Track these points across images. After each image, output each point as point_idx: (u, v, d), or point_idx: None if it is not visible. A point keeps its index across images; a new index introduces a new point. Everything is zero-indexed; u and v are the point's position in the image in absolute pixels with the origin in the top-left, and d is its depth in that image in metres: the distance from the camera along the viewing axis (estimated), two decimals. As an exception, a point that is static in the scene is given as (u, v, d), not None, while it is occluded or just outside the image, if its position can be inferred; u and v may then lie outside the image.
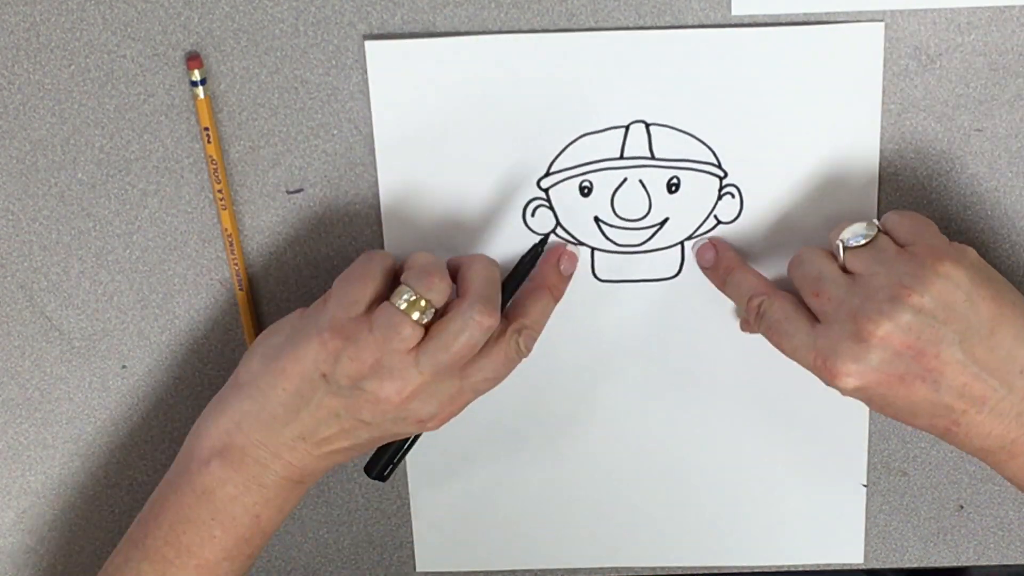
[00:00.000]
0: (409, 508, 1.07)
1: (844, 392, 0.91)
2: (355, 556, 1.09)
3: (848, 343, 0.90)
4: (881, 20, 0.95)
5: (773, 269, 1.00)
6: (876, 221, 0.93)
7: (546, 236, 0.99)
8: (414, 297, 0.92)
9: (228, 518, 0.95)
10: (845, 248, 0.92)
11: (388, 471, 1.00)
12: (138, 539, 0.96)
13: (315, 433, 0.94)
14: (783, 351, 0.94)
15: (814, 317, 0.93)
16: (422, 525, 1.08)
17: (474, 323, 0.91)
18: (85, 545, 1.09)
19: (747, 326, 1.00)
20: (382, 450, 0.99)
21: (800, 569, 1.09)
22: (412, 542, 1.08)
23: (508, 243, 1.00)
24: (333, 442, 0.95)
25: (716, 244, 0.99)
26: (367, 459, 1.00)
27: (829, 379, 0.91)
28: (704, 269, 1.00)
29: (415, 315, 0.91)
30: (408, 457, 1.04)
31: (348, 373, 0.92)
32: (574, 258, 1.00)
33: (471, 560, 1.09)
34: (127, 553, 0.97)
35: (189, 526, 0.96)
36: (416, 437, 1.00)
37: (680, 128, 0.97)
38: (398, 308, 0.91)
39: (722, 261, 0.99)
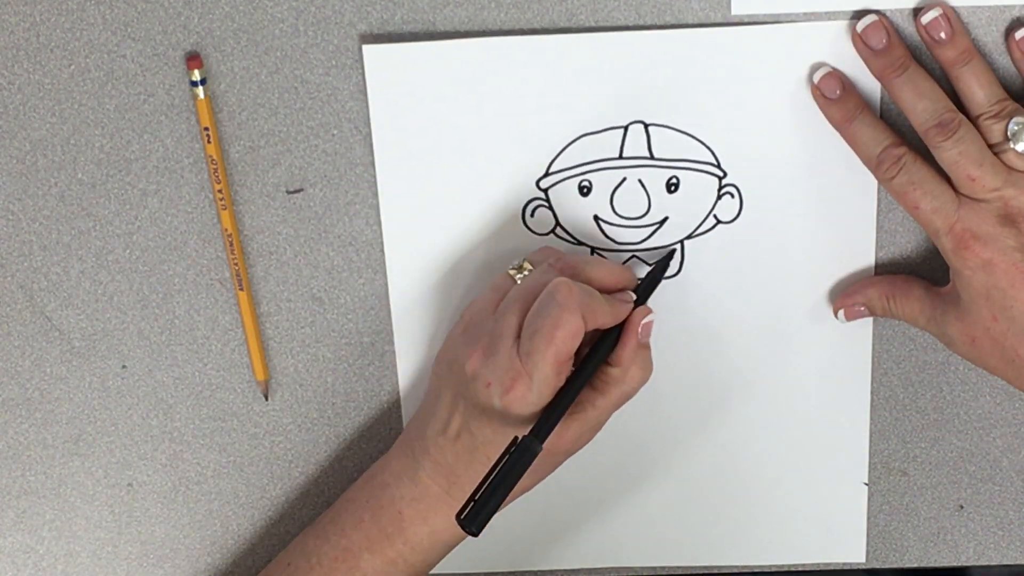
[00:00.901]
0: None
1: (964, 267, 0.92)
2: (355, 556, 1.09)
3: (993, 221, 0.91)
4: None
5: (774, 269, 1.00)
6: None
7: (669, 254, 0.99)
8: (520, 263, 0.96)
9: (377, 505, 0.98)
10: (1014, 141, 0.91)
11: (473, 515, 0.89)
12: (318, 521, 1.02)
13: (448, 426, 0.95)
14: (918, 208, 0.93)
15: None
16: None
17: (555, 302, 0.91)
18: (86, 545, 1.09)
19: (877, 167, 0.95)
20: (474, 495, 0.91)
21: (802, 569, 1.09)
22: (412, 542, 1.09)
23: (508, 243, 1.00)
24: (463, 437, 0.95)
25: (842, 78, 0.95)
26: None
27: (961, 247, 0.92)
28: (824, 100, 0.95)
29: (513, 273, 0.95)
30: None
31: (465, 361, 0.94)
32: (650, 327, 0.97)
33: (471, 561, 1.09)
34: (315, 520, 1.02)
35: (351, 505, 0.99)
36: (512, 476, 0.90)
37: (679, 128, 0.97)
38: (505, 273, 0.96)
39: (852, 99, 0.95)
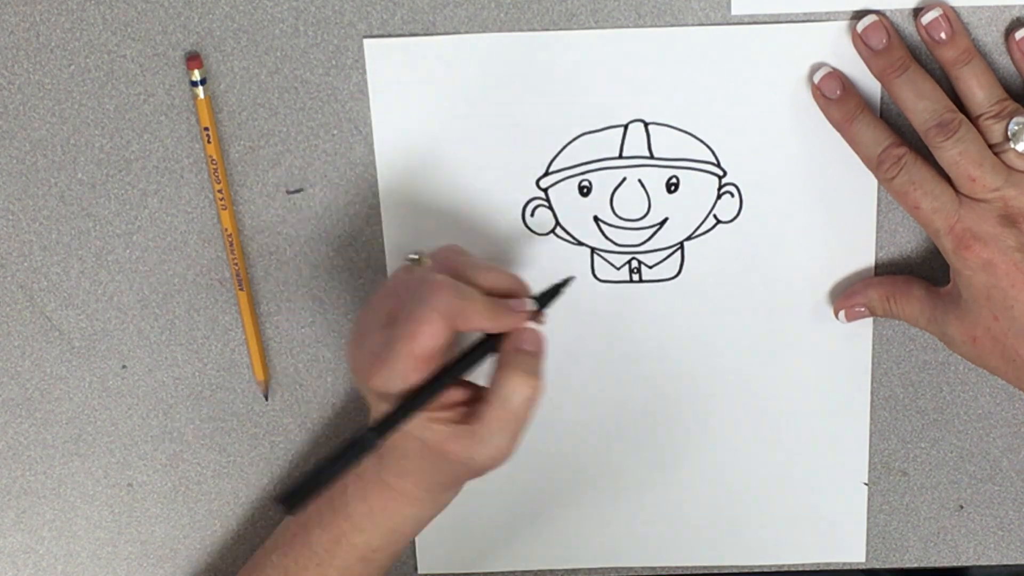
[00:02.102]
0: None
1: (965, 267, 0.92)
2: (355, 556, 1.09)
3: (993, 221, 0.91)
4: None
5: (774, 269, 1.00)
6: None
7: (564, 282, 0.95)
8: (417, 256, 0.93)
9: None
10: (1014, 141, 0.91)
11: (290, 492, 0.88)
12: None
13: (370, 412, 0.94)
14: (919, 208, 0.93)
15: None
16: (423, 530, 1.08)
17: (419, 298, 0.89)
18: (85, 545, 1.09)
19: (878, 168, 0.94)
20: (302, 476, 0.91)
21: (802, 569, 1.09)
22: (413, 544, 1.08)
23: (508, 243, 1.00)
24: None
25: (842, 78, 0.95)
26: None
27: (962, 248, 0.92)
28: (825, 100, 0.95)
29: (406, 262, 0.93)
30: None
31: (349, 345, 0.94)
32: (535, 336, 0.92)
33: (472, 562, 1.09)
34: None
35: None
36: (340, 464, 0.89)
37: (679, 127, 0.97)
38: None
39: (852, 99, 0.95)
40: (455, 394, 0.92)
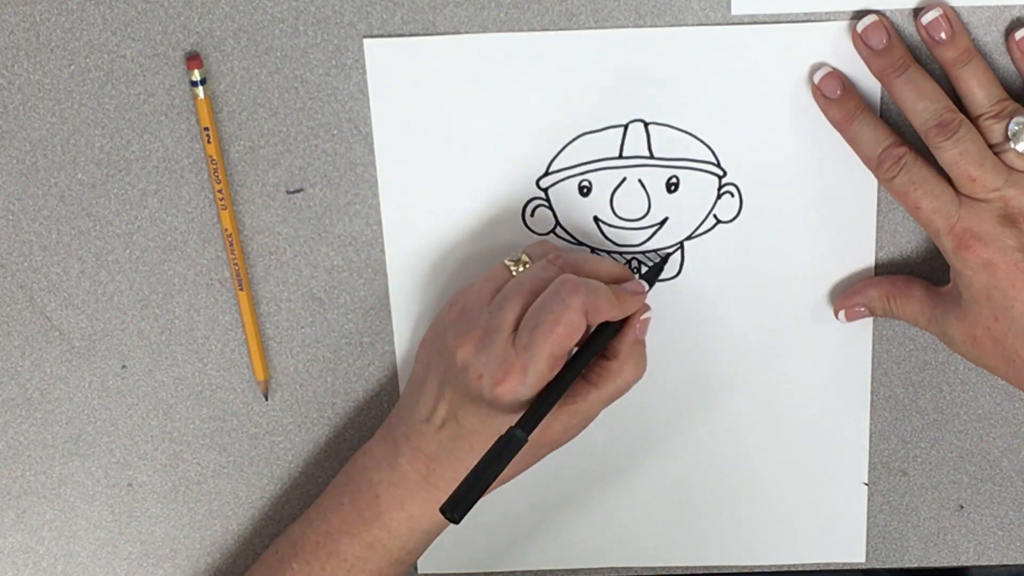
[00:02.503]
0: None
1: (965, 267, 0.92)
2: (355, 556, 1.09)
3: (994, 221, 0.91)
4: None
5: (774, 269, 1.00)
6: None
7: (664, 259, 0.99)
8: (518, 256, 0.95)
9: (356, 488, 0.98)
10: (1014, 142, 0.91)
11: (454, 503, 0.88)
12: (308, 509, 1.02)
13: (434, 413, 0.95)
14: (919, 208, 0.93)
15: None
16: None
17: (559, 298, 0.91)
18: (86, 545, 1.09)
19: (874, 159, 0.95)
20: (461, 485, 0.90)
21: (802, 569, 1.09)
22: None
23: (508, 243, 1.00)
24: (448, 425, 0.94)
25: (842, 78, 0.95)
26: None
27: (962, 248, 0.92)
28: (825, 100, 0.95)
29: (510, 265, 0.95)
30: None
31: (456, 350, 0.93)
32: (647, 324, 0.96)
33: (472, 561, 1.09)
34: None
35: (333, 489, 1.00)
36: (495, 466, 0.90)
37: (679, 127, 0.97)
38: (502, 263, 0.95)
39: (852, 99, 0.95)
40: None
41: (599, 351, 0.95)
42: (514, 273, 0.95)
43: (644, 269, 1.00)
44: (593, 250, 1.00)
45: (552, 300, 0.91)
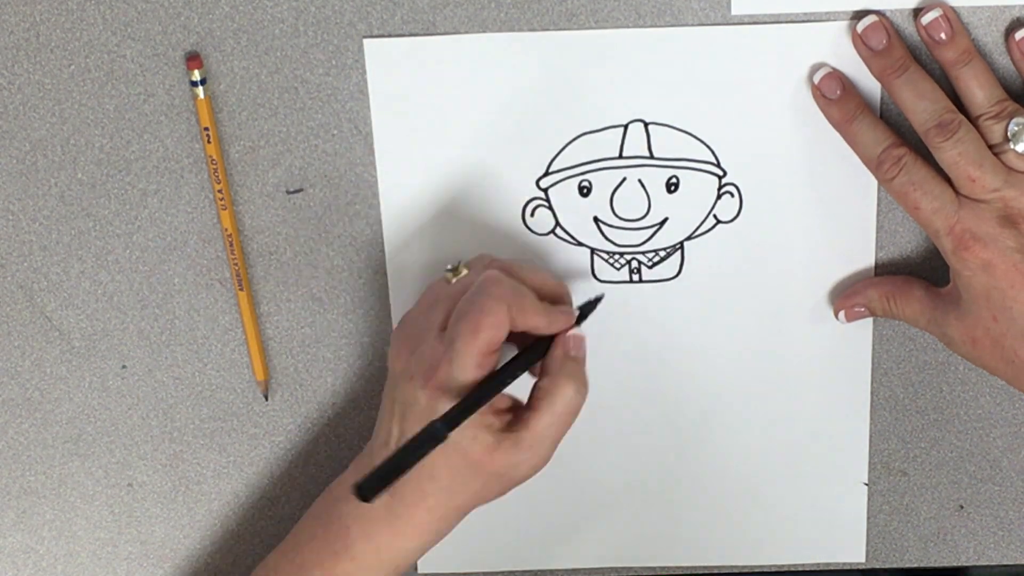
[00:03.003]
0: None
1: (964, 268, 0.92)
2: (355, 556, 1.09)
3: (993, 222, 0.91)
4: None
5: (773, 269, 1.00)
6: None
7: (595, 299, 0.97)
8: (456, 265, 0.94)
9: (327, 520, 0.97)
10: (1014, 142, 0.91)
11: (366, 482, 0.88)
12: (288, 536, 1.01)
13: (389, 436, 0.94)
14: (919, 208, 0.93)
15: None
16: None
17: (483, 291, 0.90)
18: (85, 545, 1.09)
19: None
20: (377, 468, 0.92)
21: (802, 569, 1.09)
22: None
23: (508, 243, 1.00)
24: (408, 435, 0.93)
25: (842, 78, 0.95)
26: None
27: (961, 248, 0.92)
28: (825, 101, 0.95)
29: (448, 275, 0.94)
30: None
31: (394, 361, 0.94)
32: (581, 342, 0.94)
33: (472, 561, 1.09)
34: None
35: (307, 520, 0.99)
36: (413, 454, 0.90)
37: (679, 127, 0.97)
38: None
39: (852, 99, 0.95)
40: (499, 402, 0.92)
41: (531, 364, 0.93)
42: (452, 282, 0.95)
43: (643, 270, 1.00)
44: (593, 252, 1.00)
45: (476, 293, 0.91)
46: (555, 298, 0.94)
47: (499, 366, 0.92)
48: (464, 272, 0.94)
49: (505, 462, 0.92)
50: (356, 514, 0.95)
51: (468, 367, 0.90)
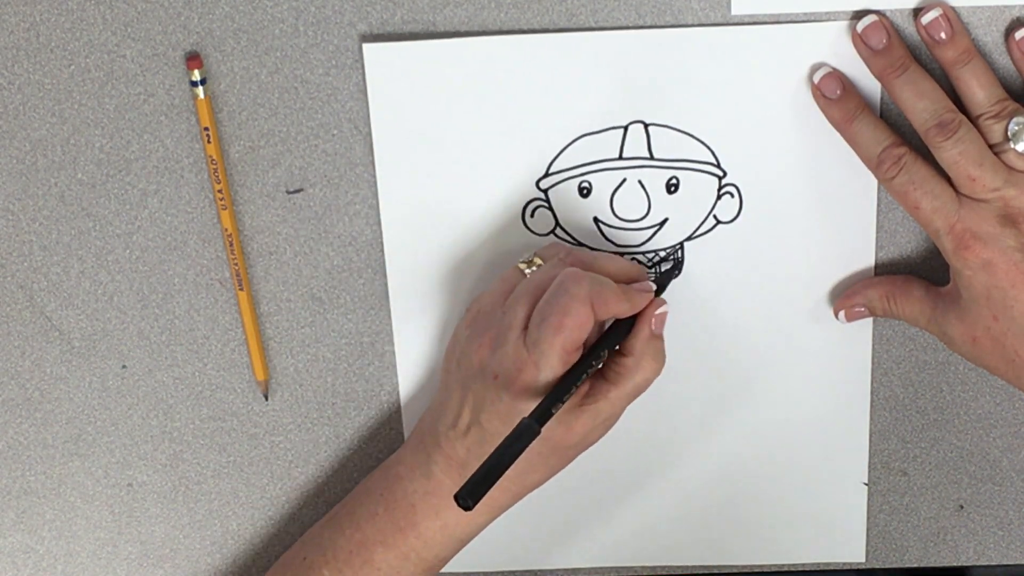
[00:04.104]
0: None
1: (965, 267, 0.92)
2: (355, 556, 1.09)
3: (993, 221, 0.91)
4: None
5: (773, 269, 1.00)
6: None
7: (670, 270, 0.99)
8: (530, 258, 0.96)
9: (391, 498, 0.98)
10: (1014, 141, 0.91)
11: (467, 491, 0.87)
12: (334, 512, 1.02)
13: (458, 420, 0.95)
14: (919, 208, 0.93)
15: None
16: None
17: (564, 290, 0.91)
18: (86, 545, 1.09)
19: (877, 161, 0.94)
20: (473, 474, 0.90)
21: (802, 569, 1.09)
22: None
23: (508, 243, 1.00)
24: (473, 431, 0.94)
25: (842, 78, 0.95)
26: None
27: (962, 247, 0.92)
28: (825, 100, 0.95)
29: (523, 267, 0.95)
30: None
31: (472, 353, 0.94)
32: (663, 318, 0.96)
33: (472, 561, 1.09)
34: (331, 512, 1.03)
35: (365, 497, 1.00)
36: (508, 456, 0.89)
37: (679, 128, 0.97)
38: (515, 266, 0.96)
39: (852, 99, 0.95)
40: None
41: (613, 347, 0.95)
42: (527, 275, 0.96)
43: (663, 267, 1.00)
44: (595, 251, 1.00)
45: (557, 294, 0.92)
46: (631, 279, 0.96)
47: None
48: (538, 263, 0.96)
49: (582, 434, 0.94)
50: (423, 491, 0.97)
51: (555, 369, 0.91)
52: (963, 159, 0.91)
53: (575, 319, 0.91)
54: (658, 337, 0.96)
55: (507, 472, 0.90)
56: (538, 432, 0.89)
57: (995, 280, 0.92)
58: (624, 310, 0.94)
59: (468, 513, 0.95)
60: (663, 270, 1.00)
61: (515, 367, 0.92)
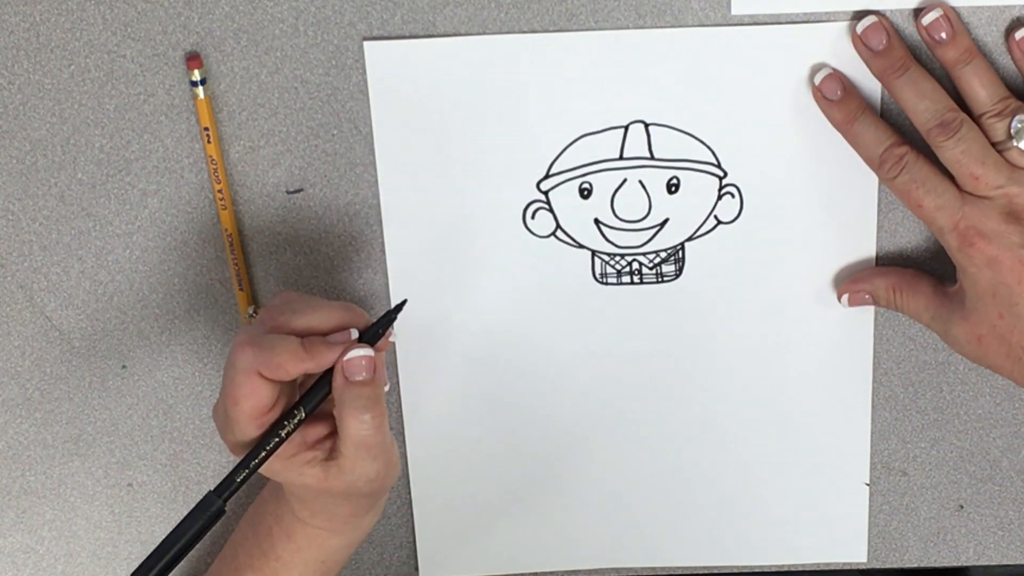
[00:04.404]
0: (411, 516, 1.07)
1: (970, 264, 0.92)
2: (356, 565, 1.09)
3: (997, 218, 0.91)
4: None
5: (774, 269, 1.00)
6: None
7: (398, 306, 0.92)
8: (254, 311, 0.97)
9: (256, 521, 1.00)
10: (1017, 139, 0.92)
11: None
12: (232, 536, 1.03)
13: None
14: (922, 206, 0.93)
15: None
16: (425, 533, 1.08)
17: (230, 362, 0.88)
18: (86, 545, 1.09)
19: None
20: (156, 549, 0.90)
21: (802, 569, 1.09)
22: (415, 549, 1.08)
23: (508, 245, 1.00)
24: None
25: (843, 79, 0.95)
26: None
27: (966, 245, 0.92)
28: (826, 102, 0.95)
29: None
30: (411, 464, 1.05)
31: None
32: (359, 364, 0.89)
33: (472, 564, 1.09)
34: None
35: (242, 522, 1.01)
36: (187, 533, 0.89)
37: (679, 128, 0.97)
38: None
39: (853, 100, 0.95)
40: (317, 431, 0.91)
41: (319, 398, 0.90)
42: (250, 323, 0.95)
43: (644, 272, 1.00)
44: (594, 254, 1.00)
45: (226, 368, 0.89)
46: (341, 326, 0.90)
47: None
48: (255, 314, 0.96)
49: (344, 484, 0.90)
50: (276, 514, 0.97)
51: (245, 432, 0.89)
52: (966, 158, 0.91)
53: (245, 390, 0.88)
54: (360, 384, 0.88)
55: (315, 508, 0.92)
56: (220, 507, 0.88)
57: (1000, 276, 0.92)
58: (309, 367, 0.88)
59: (322, 535, 0.95)
60: (380, 318, 0.91)
61: (222, 428, 0.91)
